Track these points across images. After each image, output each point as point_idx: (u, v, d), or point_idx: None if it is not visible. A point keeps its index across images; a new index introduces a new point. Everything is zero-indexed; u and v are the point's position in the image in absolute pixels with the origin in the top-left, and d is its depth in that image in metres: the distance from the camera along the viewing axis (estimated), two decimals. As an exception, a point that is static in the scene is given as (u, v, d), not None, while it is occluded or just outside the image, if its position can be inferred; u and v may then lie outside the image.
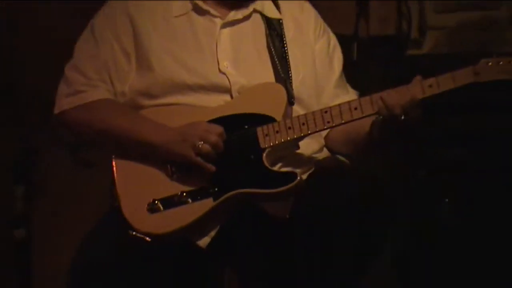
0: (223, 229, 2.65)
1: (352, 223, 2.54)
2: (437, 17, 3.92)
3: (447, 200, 3.68)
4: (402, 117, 2.60)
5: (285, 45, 2.83)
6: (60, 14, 3.94)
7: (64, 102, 2.77)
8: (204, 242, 2.63)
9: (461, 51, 3.73)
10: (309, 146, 2.79)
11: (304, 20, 2.91)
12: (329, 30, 2.97)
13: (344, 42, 3.08)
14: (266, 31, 2.82)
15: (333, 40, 2.96)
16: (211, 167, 2.62)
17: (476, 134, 3.70)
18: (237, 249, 2.74)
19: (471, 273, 3.63)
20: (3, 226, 4.00)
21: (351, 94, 2.94)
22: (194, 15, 2.82)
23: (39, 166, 4.00)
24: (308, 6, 2.97)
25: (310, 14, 2.94)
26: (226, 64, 2.76)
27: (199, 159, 2.62)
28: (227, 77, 2.75)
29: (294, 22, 2.90)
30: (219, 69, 2.76)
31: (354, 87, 2.98)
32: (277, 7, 2.90)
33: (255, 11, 2.85)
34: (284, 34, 2.84)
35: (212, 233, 2.63)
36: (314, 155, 2.84)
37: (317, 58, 2.90)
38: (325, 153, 2.88)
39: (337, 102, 2.81)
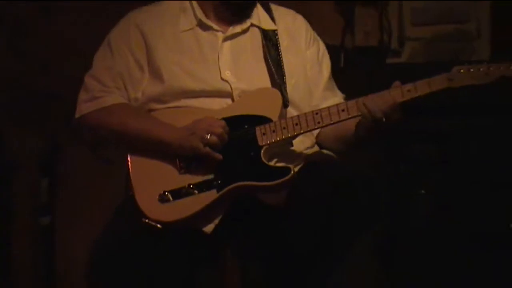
0: (226, 217, 2.74)
1: (340, 209, 2.65)
2: (414, 30, 3.97)
3: (423, 191, 3.73)
4: (383, 120, 2.70)
5: (280, 54, 2.90)
6: (80, 27, 4.00)
7: (83, 107, 2.88)
8: (209, 228, 2.73)
9: (436, 60, 3.80)
10: (302, 143, 2.88)
11: (296, 30, 3.00)
12: (318, 38, 3.05)
13: (333, 51, 3.16)
14: (262, 42, 2.91)
15: (322, 47, 3.03)
16: (219, 156, 2.72)
17: (451, 134, 3.73)
18: (238, 235, 2.83)
19: (446, 258, 3.66)
20: (30, 214, 4.04)
21: (339, 97, 3.01)
22: (199, 30, 2.91)
23: (62, 161, 4.03)
24: (300, 17, 3.05)
25: (302, 25, 3.02)
26: (228, 73, 2.85)
27: (207, 149, 2.71)
28: (229, 84, 2.84)
29: (288, 32, 2.98)
30: (221, 77, 2.84)
31: (342, 90, 3.04)
32: (272, 19, 2.97)
33: (252, 25, 2.93)
34: (279, 44, 2.92)
35: (216, 221, 2.73)
36: (306, 151, 2.90)
37: (308, 64, 2.98)
38: (316, 148, 2.95)
39: (326, 103, 2.90)
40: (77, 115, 2.89)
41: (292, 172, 2.69)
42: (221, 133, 2.72)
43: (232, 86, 2.83)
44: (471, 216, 3.68)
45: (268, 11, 2.98)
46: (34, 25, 4.09)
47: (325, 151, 2.96)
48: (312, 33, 3.02)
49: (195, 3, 2.93)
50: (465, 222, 3.67)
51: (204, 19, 2.90)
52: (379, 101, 2.71)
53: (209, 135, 2.71)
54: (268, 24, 2.95)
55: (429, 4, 3.95)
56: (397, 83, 2.74)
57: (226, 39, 2.89)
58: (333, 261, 2.73)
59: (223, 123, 2.74)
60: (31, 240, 4.04)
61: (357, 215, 2.67)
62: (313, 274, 2.72)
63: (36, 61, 4.09)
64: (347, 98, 2.96)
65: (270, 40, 2.92)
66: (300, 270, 2.71)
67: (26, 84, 4.08)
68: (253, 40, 2.92)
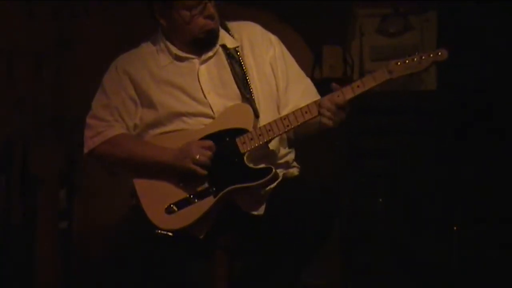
0: (216, 223, 2.79)
1: (309, 217, 2.71)
2: (372, 64, 4.01)
3: (381, 199, 3.89)
4: (332, 116, 2.72)
5: (244, 69, 2.90)
6: (97, 58, 3.79)
7: (90, 143, 2.90)
8: (201, 234, 2.79)
9: (390, 90, 3.58)
10: (276, 143, 2.88)
11: (254, 38, 2.96)
12: (273, 40, 2.98)
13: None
14: (227, 60, 2.91)
15: (278, 48, 2.97)
16: (204, 172, 2.77)
17: (402, 152, 3.89)
18: (226, 236, 2.88)
19: (397, 253, 3.84)
20: (51, 219, 4.07)
21: (304, 84, 2.96)
22: (177, 63, 2.92)
23: (78, 174, 4.06)
24: (253, 25, 3.01)
25: (257, 31, 2.98)
26: (209, 91, 2.87)
27: (196, 167, 2.77)
28: (210, 104, 2.85)
29: (249, 42, 2.95)
30: (205, 96, 2.86)
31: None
32: (231, 35, 2.96)
33: (219, 45, 2.93)
34: (241, 59, 2.92)
35: (208, 226, 2.79)
36: (282, 153, 2.91)
37: (269, 66, 2.94)
38: (288, 150, 2.94)
39: (289, 95, 2.92)
40: (86, 151, 2.92)
41: (273, 171, 2.75)
42: (209, 155, 2.79)
43: (212, 106, 2.85)
44: (418, 218, 3.83)
45: (227, 30, 2.98)
46: (55, 56, 4.13)
47: (294, 171, 2.95)
48: (268, 37, 2.99)
49: (168, 43, 2.93)
50: (413, 223, 3.83)
51: (179, 53, 2.92)
52: (335, 99, 2.75)
53: (198, 156, 2.78)
54: (231, 43, 2.95)
55: (385, 43, 4.01)
56: (334, 84, 2.78)
57: (201, 63, 2.91)
58: (305, 255, 2.78)
59: (210, 143, 2.80)
60: (52, 241, 4.06)
61: (323, 220, 2.74)
62: (288, 267, 2.78)
63: (56, 88, 4.12)
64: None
65: (233, 58, 2.92)
66: (277, 263, 2.77)
67: (48, 109, 4.13)
68: (222, 60, 2.93)
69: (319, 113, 2.76)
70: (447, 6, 3.86)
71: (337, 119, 2.76)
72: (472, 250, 3.73)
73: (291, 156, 2.97)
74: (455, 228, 3.75)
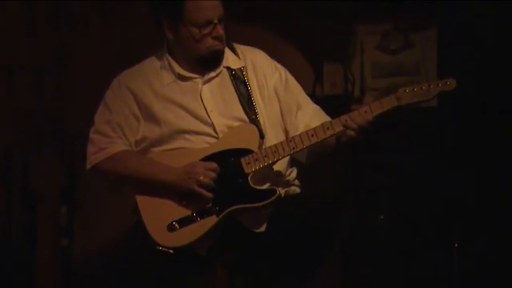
0: (218, 240, 2.82)
1: (309, 235, 2.74)
2: (373, 81, 4.03)
3: (382, 217, 3.86)
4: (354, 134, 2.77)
5: (249, 89, 2.93)
6: (96, 73, 3.90)
7: (92, 158, 2.93)
8: (203, 250, 2.81)
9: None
10: (280, 163, 2.90)
11: (259, 63, 2.99)
12: (279, 67, 3.01)
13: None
14: (232, 81, 2.94)
15: (284, 74, 3.00)
16: (209, 194, 2.79)
17: (404, 168, 3.90)
18: (227, 252, 2.89)
19: (399, 269, 3.84)
20: (52, 235, 4.07)
21: (311, 110, 2.98)
22: (179, 82, 2.94)
23: (79, 190, 4.07)
24: (259, 51, 3.04)
25: (263, 58, 3.01)
26: (212, 110, 2.89)
27: (201, 189, 2.80)
28: (213, 123, 2.88)
29: (253, 66, 2.98)
30: (208, 115, 2.88)
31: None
32: (237, 55, 2.99)
33: (223, 67, 2.95)
34: (247, 80, 2.95)
35: (210, 243, 2.81)
36: (287, 172, 2.93)
37: (273, 91, 2.97)
38: (292, 169, 2.97)
39: (299, 119, 2.95)
40: (88, 166, 2.95)
41: (277, 192, 2.77)
42: (213, 176, 2.80)
43: (215, 125, 2.87)
44: (420, 233, 3.84)
45: (233, 51, 3.00)
46: (55, 71, 4.14)
47: (295, 189, 2.97)
48: (273, 63, 3.02)
49: (171, 61, 2.94)
50: (415, 238, 3.84)
51: (182, 72, 2.93)
52: (350, 120, 2.78)
53: (202, 178, 2.80)
54: (236, 63, 2.97)
55: (386, 60, 4.01)
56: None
57: (204, 82, 2.93)
58: (305, 272, 2.80)
59: (215, 165, 2.81)
60: (53, 259, 4.05)
61: (323, 238, 2.77)
62: (288, 283, 2.80)
63: (56, 103, 4.12)
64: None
65: (238, 78, 2.94)
66: (277, 280, 2.79)
67: (49, 124, 4.12)
68: (225, 80, 2.95)
69: (345, 126, 2.78)
70: (448, 22, 3.88)
71: (363, 134, 2.79)
72: (473, 267, 3.72)
73: (293, 175, 2.98)
74: (456, 245, 3.73)
